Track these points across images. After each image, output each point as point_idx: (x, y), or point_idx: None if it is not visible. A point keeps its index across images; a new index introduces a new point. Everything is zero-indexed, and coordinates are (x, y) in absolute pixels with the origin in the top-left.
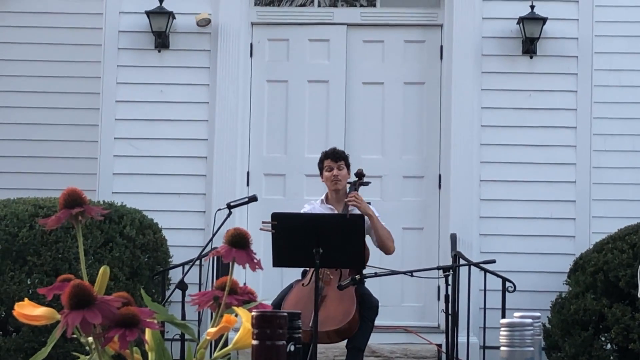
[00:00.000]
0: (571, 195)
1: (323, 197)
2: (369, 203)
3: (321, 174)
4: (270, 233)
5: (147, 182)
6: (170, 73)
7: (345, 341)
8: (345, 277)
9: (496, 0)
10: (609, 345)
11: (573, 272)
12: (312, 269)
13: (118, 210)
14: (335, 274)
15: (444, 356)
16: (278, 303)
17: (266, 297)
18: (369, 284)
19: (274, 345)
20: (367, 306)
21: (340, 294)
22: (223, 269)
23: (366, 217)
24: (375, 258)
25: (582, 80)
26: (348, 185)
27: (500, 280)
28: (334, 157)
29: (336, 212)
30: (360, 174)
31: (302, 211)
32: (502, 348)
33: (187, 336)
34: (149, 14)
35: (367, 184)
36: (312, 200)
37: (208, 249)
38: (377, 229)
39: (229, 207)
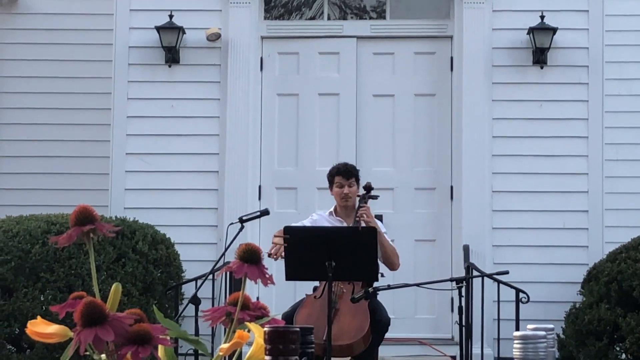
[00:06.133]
0: (584, 205)
1: (332, 209)
2: (381, 216)
3: (330, 187)
4: (282, 247)
5: (159, 197)
6: (180, 88)
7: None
8: (358, 290)
9: (506, 11)
10: (623, 355)
11: (587, 282)
12: (323, 282)
13: (130, 226)
14: (348, 287)
15: None
16: (289, 316)
17: (279, 311)
18: (382, 296)
19: None
20: (376, 327)
21: (354, 307)
22: (236, 283)
23: None
24: (388, 271)
25: (593, 89)
26: (357, 199)
27: (513, 291)
28: (346, 175)
29: (345, 225)
30: (368, 188)
31: (308, 219)
32: None
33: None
34: (159, 29)
35: (375, 197)
36: (320, 212)
37: (220, 263)
38: (383, 244)
39: (241, 221)
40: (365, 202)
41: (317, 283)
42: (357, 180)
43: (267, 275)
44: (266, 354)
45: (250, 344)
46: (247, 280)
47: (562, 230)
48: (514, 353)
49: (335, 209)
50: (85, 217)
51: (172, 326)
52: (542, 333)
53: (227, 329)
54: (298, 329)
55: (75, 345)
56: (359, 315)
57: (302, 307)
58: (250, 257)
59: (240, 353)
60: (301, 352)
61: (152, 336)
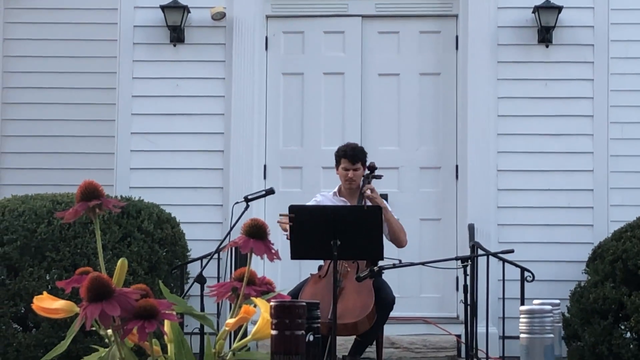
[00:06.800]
0: (589, 184)
1: (336, 189)
2: (386, 195)
3: (336, 166)
4: (287, 225)
5: (164, 176)
6: (185, 67)
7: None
8: (363, 269)
9: None
10: (628, 334)
11: (592, 261)
12: (328, 261)
13: (136, 205)
14: (353, 266)
15: (463, 347)
16: (294, 295)
17: (284, 289)
18: (387, 275)
19: (293, 335)
20: (381, 306)
21: (358, 286)
22: (241, 262)
23: None
24: (394, 249)
25: (599, 68)
26: (361, 179)
27: (518, 270)
28: (352, 159)
29: (349, 204)
30: (372, 168)
31: (312, 201)
32: (522, 335)
33: (206, 330)
34: (163, 8)
35: (379, 177)
36: (325, 192)
37: (226, 242)
38: (389, 221)
39: (247, 200)
40: (369, 182)
41: (322, 262)
42: (364, 164)
43: (273, 251)
44: (272, 328)
45: (255, 321)
46: (253, 259)
47: (567, 209)
48: (520, 327)
49: (339, 189)
50: (91, 192)
51: (178, 302)
52: (549, 307)
53: (233, 306)
54: (304, 303)
55: (82, 321)
56: (364, 294)
57: (306, 286)
58: (257, 232)
59: (245, 330)
60: (307, 327)
61: (158, 311)
